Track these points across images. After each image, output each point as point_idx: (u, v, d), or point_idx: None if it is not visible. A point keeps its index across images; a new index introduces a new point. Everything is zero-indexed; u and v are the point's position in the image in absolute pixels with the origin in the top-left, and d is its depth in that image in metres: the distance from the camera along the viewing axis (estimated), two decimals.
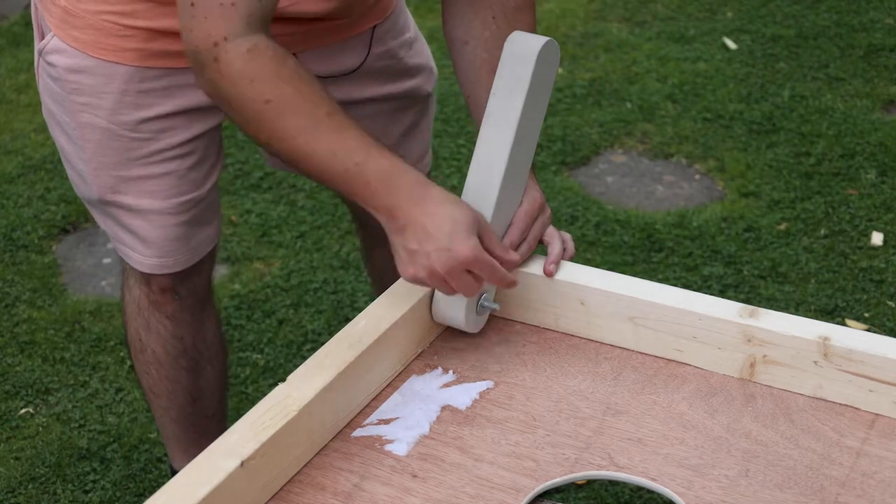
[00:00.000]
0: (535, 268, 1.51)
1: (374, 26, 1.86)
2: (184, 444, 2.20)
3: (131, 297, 2.04)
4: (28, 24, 4.40)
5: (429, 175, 2.11)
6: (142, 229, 1.89)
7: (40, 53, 1.83)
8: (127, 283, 2.03)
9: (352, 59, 1.88)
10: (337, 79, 1.87)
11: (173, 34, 1.71)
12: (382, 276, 2.23)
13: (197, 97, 1.80)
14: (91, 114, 1.81)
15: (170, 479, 2.25)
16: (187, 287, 2.01)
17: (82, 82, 1.80)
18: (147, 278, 1.97)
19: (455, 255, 1.38)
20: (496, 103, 1.45)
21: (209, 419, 2.19)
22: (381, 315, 1.41)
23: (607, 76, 4.19)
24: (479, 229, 1.42)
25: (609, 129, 3.84)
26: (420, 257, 1.40)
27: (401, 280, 1.48)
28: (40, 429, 2.60)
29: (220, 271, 3.14)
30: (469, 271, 1.40)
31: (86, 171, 1.87)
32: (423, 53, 2.02)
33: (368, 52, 1.88)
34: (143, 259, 1.93)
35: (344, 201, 2.18)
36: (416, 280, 1.41)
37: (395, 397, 1.40)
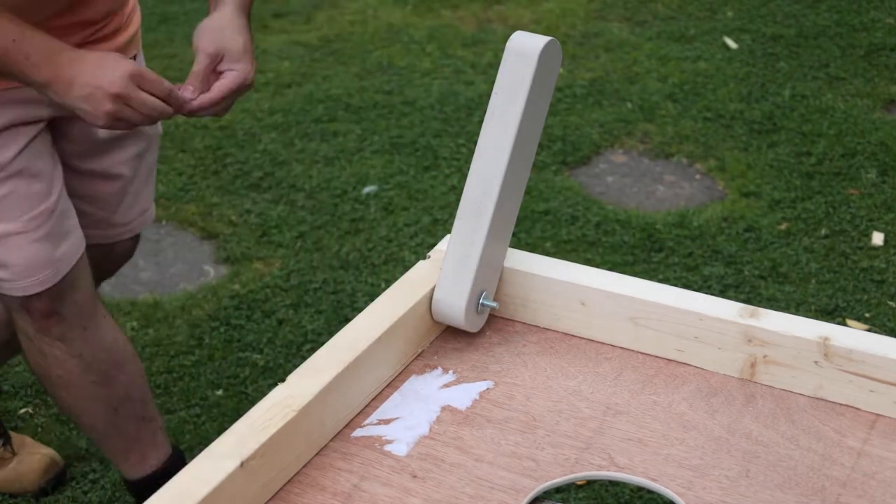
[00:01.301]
0: (537, 268, 1.51)
1: (134, 56, 1.98)
2: (123, 455, 2.17)
3: (19, 330, 2.00)
4: None
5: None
6: (2, 255, 1.86)
7: None
8: (11, 317, 2.01)
9: None
10: None
11: None
12: None
13: (13, 113, 1.81)
14: None
15: (127, 491, 2.26)
16: (68, 305, 1.97)
17: None
18: (27, 306, 1.94)
19: (106, 93, 1.62)
20: (497, 103, 1.45)
21: (137, 422, 2.16)
22: (380, 315, 1.41)
23: (608, 76, 4.19)
24: (137, 77, 1.64)
25: (609, 129, 3.84)
26: (94, 102, 1.63)
27: (400, 280, 1.48)
28: (39, 429, 2.59)
29: (220, 271, 3.14)
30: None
31: None
32: None
33: None
34: (13, 285, 1.89)
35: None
36: (110, 125, 1.66)
37: (395, 397, 1.40)
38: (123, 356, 2.11)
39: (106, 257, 2.15)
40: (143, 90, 1.66)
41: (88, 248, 2.02)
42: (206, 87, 1.72)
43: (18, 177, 1.85)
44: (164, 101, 1.67)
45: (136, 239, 2.21)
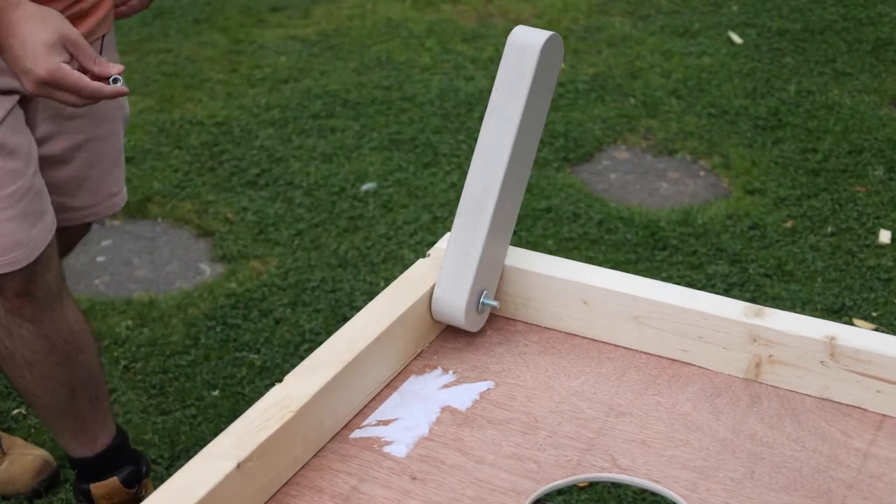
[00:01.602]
0: (538, 266, 1.51)
1: (104, 35, 1.94)
2: (73, 434, 2.21)
3: None
4: None
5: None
6: None
7: None
8: None
9: None
10: None
11: None
12: None
13: None
14: None
15: (73, 471, 2.31)
16: (40, 286, 1.99)
17: None
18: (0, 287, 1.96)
19: (34, 77, 1.56)
20: (499, 98, 1.45)
21: (93, 402, 2.19)
22: (379, 314, 1.41)
23: (610, 71, 4.19)
24: (70, 46, 1.58)
25: (612, 125, 3.84)
26: (22, 77, 1.60)
27: (400, 279, 1.49)
28: (32, 430, 2.59)
29: (217, 270, 3.14)
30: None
31: None
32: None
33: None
34: None
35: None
36: (38, 95, 1.63)
37: (394, 398, 1.40)
38: (83, 337, 2.13)
39: (61, 240, 2.14)
40: (68, 83, 1.61)
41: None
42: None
43: None
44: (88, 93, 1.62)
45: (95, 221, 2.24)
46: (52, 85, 1.58)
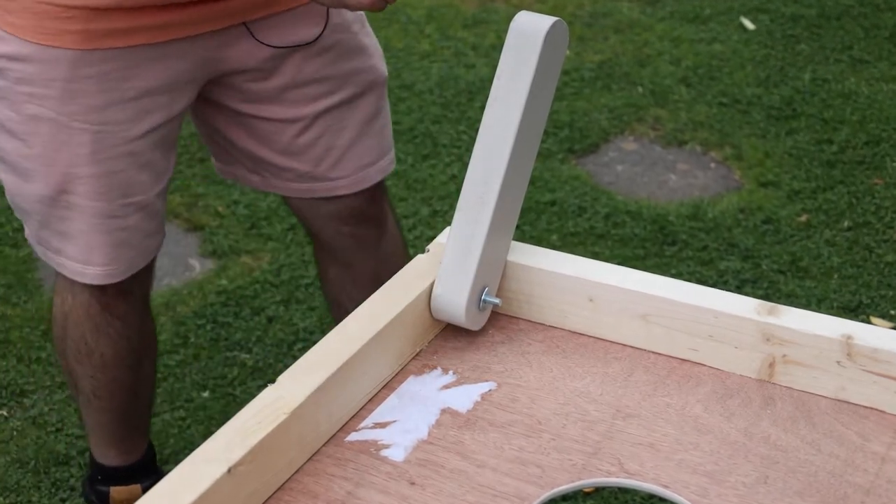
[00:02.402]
0: (542, 262, 1.51)
1: None
2: (116, 440, 2.26)
3: (77, 303, 2.03)
4: None
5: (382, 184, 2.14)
6: (89, 233, 1.89)
7: None
8: (71, 289, 2.02)
9: (309, 30, 1.88)
10: (292, 52, 1.86)
11: (117, 10, 1.70)
12: (338, 295, 2.25)
13: (145, 79, 1.80)
14: (37, 104, 1.80)
15: (95, 473, 2.32)
16: (139, 287, 2.05)
17: (25, 70, 1.77)
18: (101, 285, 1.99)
19: None
20: (501, 87, 1.45)
21: (145, 411, 2.28)
22: (376, 312, 1.41)
23: (617, 58, 4.19)
24: None
25: (619, 115, 3.84)
26: None
27: (397, 275, 1.49)
28: (15, 433, 2.60)
29: (207, 265, 3.14)
30: None
31: (32, 169, 1.84)
32: (372, 34, 2.02)
33: (326, 23, 1.88)
34: (87, 269, 1.93)
35: (297, 217, 2.19)
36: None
37: (392, 399, 1.40)
38: (152, 344, 2.21)
39: (316, 213, 2.11)
40: None
41: (296, 202, 2.09)
42: None
43: (131, 158, 1.87)
44: None
45: (370, 197, 2.13)
46: None
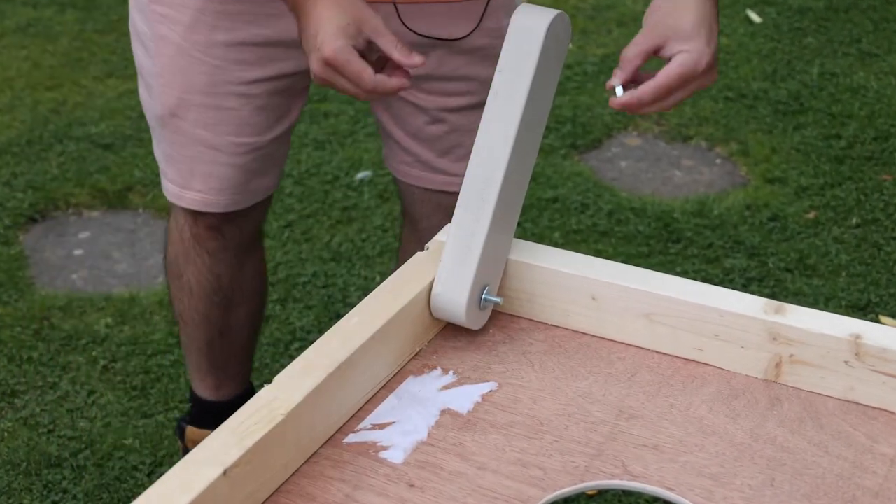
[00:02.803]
0: (544, 260, 1.51)
1: None
2: (202, 374, 2.33)
3: (175, 224, 2.12)
4: None
5: None
6: (193, 159, 1.97)
7: None
8: (173, 209, 2.11)
9: (458, 28, 1.89)
10: (435, 45, 1.88)
11: None
12: None
13: (276, 29, 1.84)
14: (168, 27, 1.88)
15: (189, 404, 2.42)
16: (233, 229, 2.09)
17: None
18: (193, 211, 2.05)
19: (319, 56, 1.55)
20: (502, 81, 1.45)
21: (234, 356, 2.32)
22: (375, 311, 1.41)
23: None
24: (368, 30, 1.55)
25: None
26: (308, 58, 1.58)
27: (396, 273, 1.48)
28: (6, 434, 2.60)
29: None
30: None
31: (154, 86, 1.95)
32: None
33: (478, 25, 1.88)
34: (186, 192, 2.01)
35: (403, 202, 2.20)
36: (318, 82, 1.60)
37: (391, 400, 1.40)
38: (253, 293, 2.26)
39: (424, 202, 2.12)
40: (349, 70, 1.58)
41: (406, 186, 2.09)
42: (632, 76, 1.54)
43: (245, 99, 1.91)
44: (371, 88, 1.58)
45: None
46: (334, 68, 1.56)
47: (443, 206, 2.09)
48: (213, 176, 1.98)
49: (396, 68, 1.60)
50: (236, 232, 2.10)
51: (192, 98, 1.91)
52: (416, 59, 1.55)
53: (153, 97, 1.96)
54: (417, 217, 2.15)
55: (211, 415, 2.34)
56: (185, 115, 1.93)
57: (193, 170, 1.98)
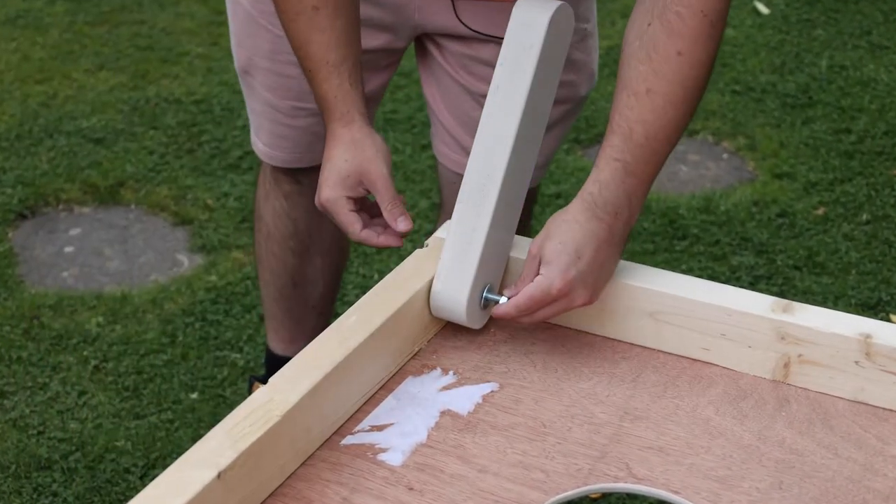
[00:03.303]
0: None
1: None
2: (276, 325, 2.39)
3: (261, 167, 2.23)
4: None
5: (535, 194, 2.26)
6: (260, 115, 2.10)
7: None
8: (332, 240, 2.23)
9: None
10: (491, 40, 1.90)
11: None
12: None
13: (376, 11, 1.88)
14: None
15: (265, 362, 2.48)
16: (310, 178, 2.12)
17: None
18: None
19: (318, 195, 1.64)
20: (502, 75, 1.45)
21: (309, 309, 2.36)
22: (373, 309, 1.41)
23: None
24: (368, 184, 1.61)
25: None
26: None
27: (395, 271, 1.49)
28: None
29: (196, 261, 3.15)
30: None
31: (233, 43, 2.08)
32: (592, 53, 2.05)
33: None
34: (257, 140, 2.14)
35: (442, 190, 2.25)
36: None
37: (390, 401, 1.40)
38: (331, 245, 2.30)
39: (455, 187, 2.15)
40: (337, 221, 1.65)
41: (446, 173, 2.13)
42: (516, 291, 1.48)
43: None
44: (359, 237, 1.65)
45: None
46: (325, 211, 1.65)
47: None
48: (274, 134, 2.09)
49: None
50: (314, 180, 2.16)
51: (259, 62, 2.02)
52: (403, 225, 1.59)
53: (233, 52, 2.10)
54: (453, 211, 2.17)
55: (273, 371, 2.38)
56: (255, 74, 2.05)
57: (261, 124, 2.11)
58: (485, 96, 1.99)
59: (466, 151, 2.07)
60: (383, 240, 1.62)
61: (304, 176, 2.16)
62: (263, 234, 2.28)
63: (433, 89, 2.08)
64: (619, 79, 1.50)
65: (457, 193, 2.14)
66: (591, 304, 1.45)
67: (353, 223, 1.62)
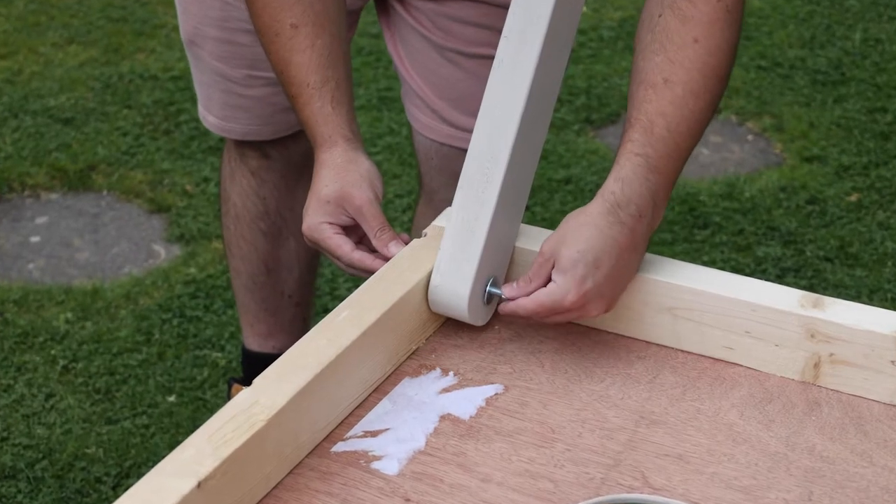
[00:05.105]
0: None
1: None
2: (251, 318, 2.40)
3: (225, 145, 2.29)
4: None
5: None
6: (210, 86, 2.13)
7: None
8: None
9: None
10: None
11: None
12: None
13: None
14: None
15: (242, 361, 2.47)
16: (278, 150, 2.18)
17: None
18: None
19: (303, 224, 1.63)
20: (508, 48, 1.44)
21: (285, 299, 2.37)
22: (366, 304, 1.41)
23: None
24: (352, 210, 1.60)
25: None
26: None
27: (390, 262, 1.49)
28: None
29: (173, 252, 3.15)
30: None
31: (178, 10, 2.13)
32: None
33: None
34: (207, 114, 2.17)
35: (418, 161, 2.27)
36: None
37: (385, 404, 1.40)
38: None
39: (431, 158, 2.18)
40: (323, 247, 1.66)
41: (420, 139, 2.15)
42: (524, 291, 1.47)
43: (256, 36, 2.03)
44: (350, 262, 1.65)
45: None
46: (311, 242, 1.65)
47: (449, 168, 2.14)
48: (228, 105, 2.12)
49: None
50: (282, 154, 2.20)
51: (206, 30, 2.06)
52: (396, 249, 1.57)
53: (179, 22, 2.13)
54: (434, 187, 2.17)
55: (252, 370, 2.39)
56: (202, 44, 2.09)
57: (211, 96, 2.14)
58: (456, 52, 2.02)
59: (436, 114, 2.10)
60: (378, 264, 1.56)
61: (272, 148, 2.18)
62: (232, 217, 2.29)
63: (398, 48, 2.10)
64: (632, 74, 1.51)
65: (435, 171, 2.16)
66: (608, 313, 1.46)
67: (340, 245, 1.60)
